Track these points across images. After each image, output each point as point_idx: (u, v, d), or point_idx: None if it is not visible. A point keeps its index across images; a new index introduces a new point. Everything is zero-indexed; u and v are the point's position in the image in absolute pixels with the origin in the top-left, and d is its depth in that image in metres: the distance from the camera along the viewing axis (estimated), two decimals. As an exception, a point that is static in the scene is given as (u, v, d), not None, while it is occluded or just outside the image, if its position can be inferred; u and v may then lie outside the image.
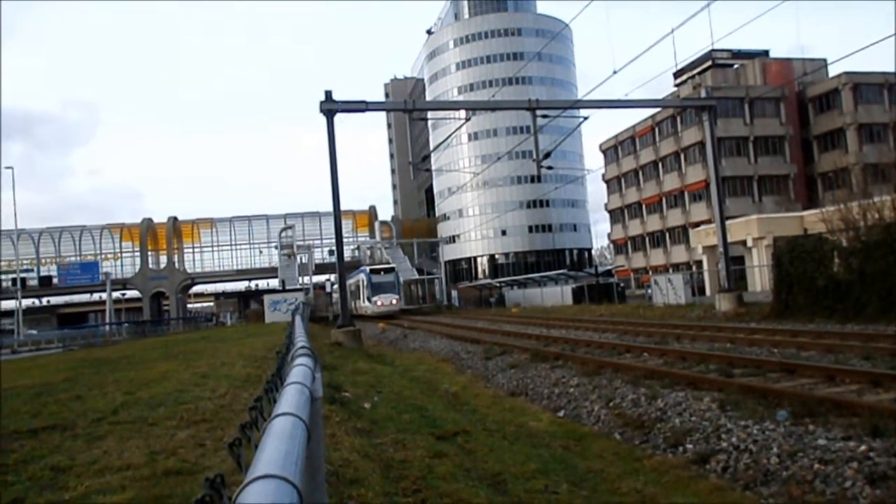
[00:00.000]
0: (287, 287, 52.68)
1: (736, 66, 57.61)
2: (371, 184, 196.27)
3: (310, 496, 1.89)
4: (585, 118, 24.47)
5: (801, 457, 5.77)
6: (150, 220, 74.04)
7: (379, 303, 45.35)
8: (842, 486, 5.15)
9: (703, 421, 7.32)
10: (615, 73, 16.44)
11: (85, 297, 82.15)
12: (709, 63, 54.79)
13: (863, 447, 5.55)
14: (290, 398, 1.50)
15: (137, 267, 72.73)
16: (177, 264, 73.93)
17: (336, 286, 38.87)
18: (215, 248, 76.97)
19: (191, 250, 76.69)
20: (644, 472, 6.42)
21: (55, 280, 71.33)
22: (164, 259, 74.02)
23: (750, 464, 6.07)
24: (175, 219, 74.03)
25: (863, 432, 5.87)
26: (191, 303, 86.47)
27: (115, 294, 70.13)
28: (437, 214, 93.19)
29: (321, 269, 65.20)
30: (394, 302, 45.82)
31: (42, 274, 71.76)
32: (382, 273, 47.98)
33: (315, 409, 1.96)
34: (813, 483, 5.36)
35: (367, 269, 49.63)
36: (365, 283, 47.49)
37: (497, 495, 5.49)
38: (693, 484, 5.95)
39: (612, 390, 9.57)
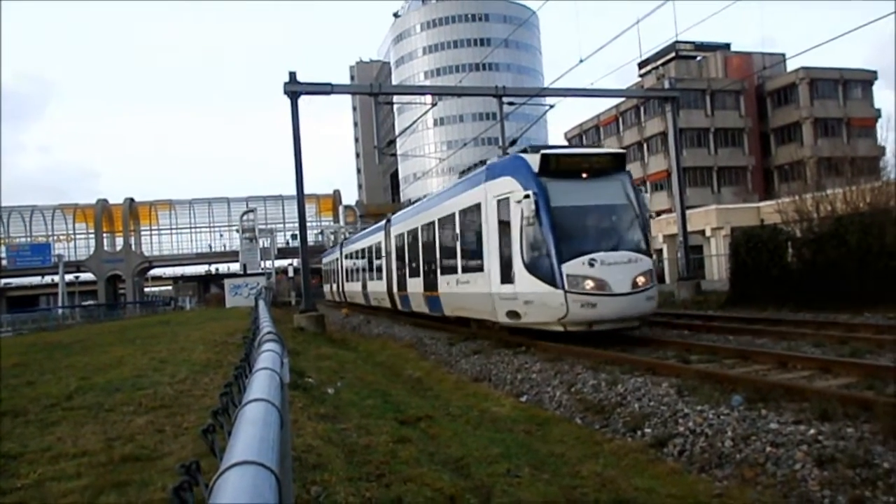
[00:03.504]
0: (248, 271, 51.87)
1: (699, 58, 58.58)
2: (335, 168, 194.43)
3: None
4: (551, 106, 24.59)
5: (754, 440, 5.97)
6: (105, 200, 71.90)
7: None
8: (792, 468, 5.35)
9: (662, 406, 7.51)
10: (581, 61, 16.54)
11: (36, 280, 79.46)
12: (672, 54, 55.57)
13: (812, 431, 5.77)
14: (262, 384, 1.48)
15: (92, 249, 70.61)
16: (133, 247, 72.02)
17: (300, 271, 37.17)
18: (174, 231, 75.21)
19: (148, 233, 74.79)
20: (604, 455, 6.55)
21: (3, 262, 68.74)
22: (120, 241, 72.01)
23: (705, 447, 6.25)
24: (132, 200, 72.02)
25: (812, 416, 6.09)
26: (148, 286, 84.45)
27: (69, 277, 68.03)
28: (402, 200, 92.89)
29: (284, 253, 64.38)
30: None
31: (-10, 255, 69.06)
32: None
33: (283, 395, 1.94)
34: (765, 465, 5.55)
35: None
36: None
37: (460, 479, 5.54)
38: (651, 467, 6.10)
39: (574, 376, 9.73)
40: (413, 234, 20.03)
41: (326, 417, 7.17)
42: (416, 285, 19.64)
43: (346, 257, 34.25)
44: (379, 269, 25.30)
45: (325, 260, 45.66)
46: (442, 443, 6.80)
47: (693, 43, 56.75)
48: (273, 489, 0.96)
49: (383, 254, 24.38)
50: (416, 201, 25.53)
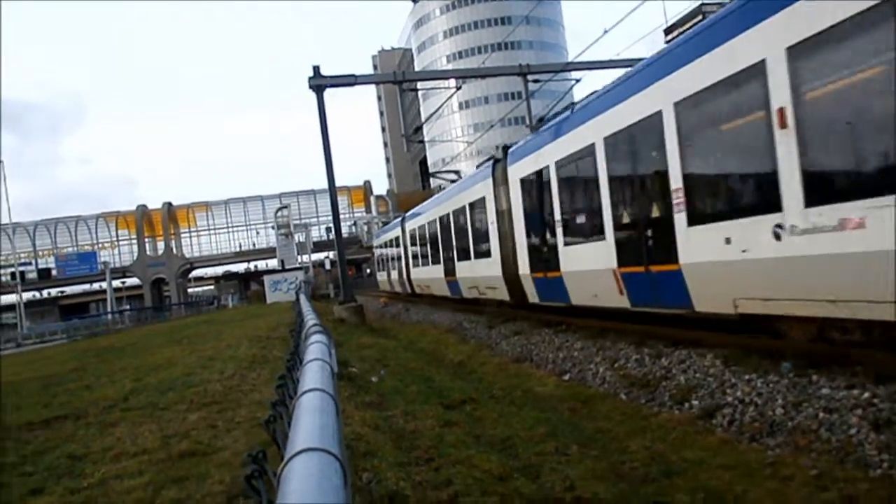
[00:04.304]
0: (286, 267, 52.68)
1: (727, 19, 56.77)
2: (364, 158, 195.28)
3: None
4: (578, 80, 24.18)
5: (806, 407, 5.84)
6: (144, 206, 73.71)
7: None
8: (847, 433, 5.23)
9: (708, 377, 7.40)
10: (606, 32, 16.16)
11: (85, 288, 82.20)
12: (699, 18, 54.00)
13: (867, 394, 5.62)
14: (315, 374, 1.51)
15: (135, 254, 72.63)
16: (174, 250, 73.83)
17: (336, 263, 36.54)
18: (212, 232, 76.80)
19: (188, 235, 76.56)
20: (651, 429, 6.51)
21: (54, 272, 71.27)
22: (161, 245, 73.93)
23: (755, 416, 6.15)
24: (170, 204, 73.70)
25: (866, 380, 5.93)
26: (191, 287, 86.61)
27: (115, 283, 70.15)
28: (432, 186, 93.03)
29: (319, 246, 65.15)
30: None
31: (40, 266, 71.65)
32: None
33: (335, 384, 1.98)
34: (818, 432, 5.44)
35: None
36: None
37: (509, 459, 5.58)
38: (700, 439, 6.04)
39: (616, 351, 9.65)
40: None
41: (373, 405, 7.29)
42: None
43: (415, 236, 25.20)
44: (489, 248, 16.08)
45: (378, 242, 38.09)
46: (487, 425, 6.85)
47: (721, 4, 55.05)
48: (339, 474, 0.99)
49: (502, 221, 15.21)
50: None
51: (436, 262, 22.01)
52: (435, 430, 6.23)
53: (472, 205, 17.47)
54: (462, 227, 18.52)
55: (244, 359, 11.47)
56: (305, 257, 58.50)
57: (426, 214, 23.28)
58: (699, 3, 9.58)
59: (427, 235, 23.02)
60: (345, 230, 59.43)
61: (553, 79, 24.19)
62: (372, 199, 74.42)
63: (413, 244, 26.21)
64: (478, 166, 18.03)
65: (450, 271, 20.34)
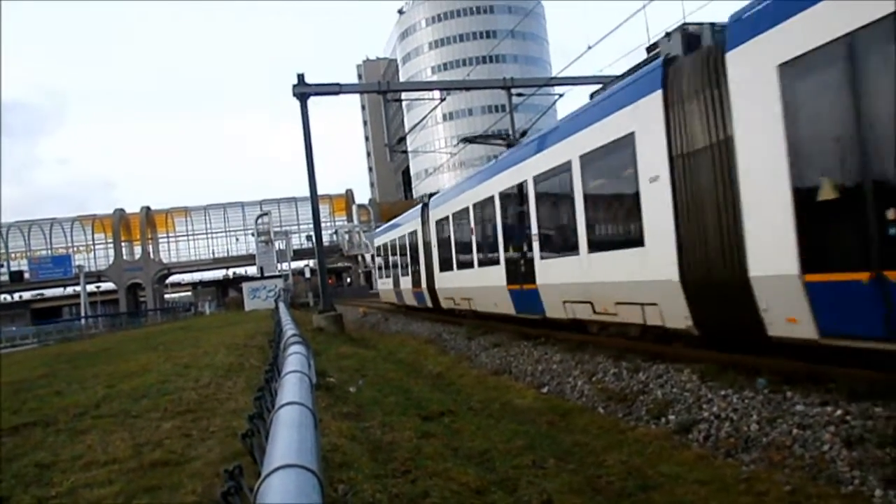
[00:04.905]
0: (265, 274, 52.28)
1: (707, 39, 57.78)
2: (347, 167, 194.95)
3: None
4: (561, 95, 24.46)
5: (780, 423, 5.91)
6: (122, 210, 72.84)
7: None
8: (820, 449, 5.30)
9: (685, 392, 7.46)
10: (589, 48, 16.36)
11: (58, 292, 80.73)
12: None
13: (839, 411, 5.70)
14: (293, 387, 1.50)
15: (111, 259, 71.58)
16: (152, 254, 72.93)
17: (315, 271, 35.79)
18: (191, 237, 76.08)
19: (166, 240, 75.76)
20: (628, 443, 6.54)
21: (27, 275, 69.97)
22: (138, 250, 72.99)
23: (731, 432, 6.20)
24: (148, 208, 72.89)
25: (839, 397, 6.02)
26: (168, 293, 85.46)
27: (90, 287, 69.01)
28: (414, 196, 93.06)
29: (299, 254, 64.77)
30: None
31: (13, 269, 70.27)
32: None
33: (313, 396, 1.96)
34: (792, 448, 5.50)
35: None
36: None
37: (486, 472, 5.56)
38: (676, 453, 6.08)
39: (595, 365, 9.70)
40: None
41: (350, 416, 7.23)
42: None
43: (447, 227, 18.13)
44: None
45: (380, 242, 29.71)
46: (465, 437, 6.83)
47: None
48: (317, 490, 0.98)
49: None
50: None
51: (490, 262, 14.82)
52: (412, 441, 6.19)
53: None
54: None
55: (221, 367, 11.33)
56: (285, 265, 58.13)
57: (471, 193, 15.75)
58: (681, 23, 9.70)
59: (475, 224, 15.69)
60: (326, 239, 59.19)
61: (536, 93, 24.44)
62: (354, 207, 74.26)
63: (444, 239, 18.55)
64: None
65: (520, 275, 13.13)
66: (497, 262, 14.22)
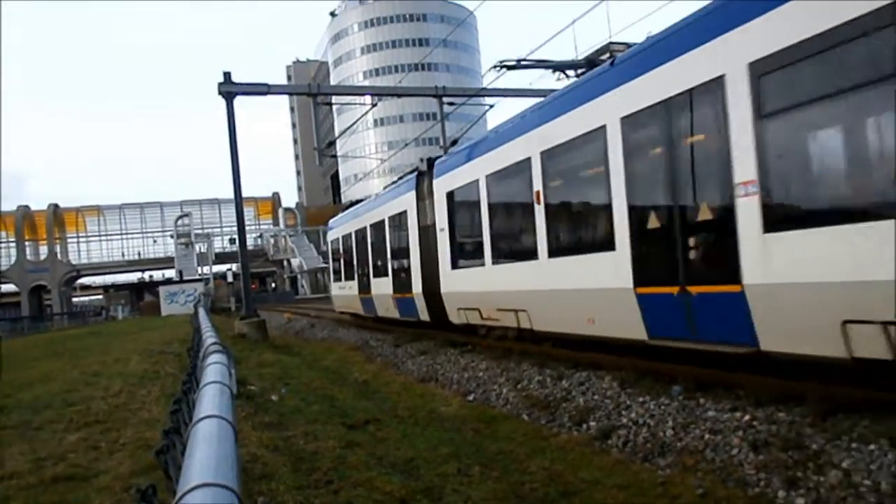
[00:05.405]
0: (185, 278, 50.30)
1: (631, 59, 60.21)
2: (274, 170, 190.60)
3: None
4: (491, 106, 24.83)
5: (694, 428, 6.18)
6: (26, 207, 68.31)
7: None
8: (729, 453, 5.57)
9: (605, 399, 7.68)
10: (519, 62, 16.72)
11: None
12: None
13: (747, 417, 6.02)
14: (213, 399, 1.42)
15: (13, 258, 66.90)
16: (59, 255, 68.70)
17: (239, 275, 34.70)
18: (103, 238, 72.26)
19: (75, 240, 71.58)
20: (551, 450, 6.66)
21: (-85, 274, 64.36)
22: (44, 250, 68.57)
23: (648, 437, 6.43)
24: (56, 206, 68.68)
25: (747, 403, 6.36)
26: (77, 296, 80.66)
27: (-11, 288, 64.28)
28: (343, 201, 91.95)
29: (222, 258, 62.74)
30: None
31: None
32: None
33: (234, 409, 1.88)
34: (704, 452, 5.76)
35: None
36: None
37: (410, 481, 5.52)
38: (596, 459, 6.24)
39: (520, 373, 9.84)
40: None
41: (271, 426, 7.03)
42: None
43: (459, 203, 13.35)
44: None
45: (337, 234, 23.45)
46: (391, 445, 6.76)
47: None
48: (237, 509, 0.93)
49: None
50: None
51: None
52: (336, 451, 6.08)
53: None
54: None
55: (133, 375, 10.78)
56: (206, 268, 56.14)
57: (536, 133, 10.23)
58: (607, 42, 10.19)
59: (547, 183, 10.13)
60: (250, 242, 57.54)
61: (467, 102, 24.71)
62: (280, 211, 72.68)
63: (466, 218, 13.10)
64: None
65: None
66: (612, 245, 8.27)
